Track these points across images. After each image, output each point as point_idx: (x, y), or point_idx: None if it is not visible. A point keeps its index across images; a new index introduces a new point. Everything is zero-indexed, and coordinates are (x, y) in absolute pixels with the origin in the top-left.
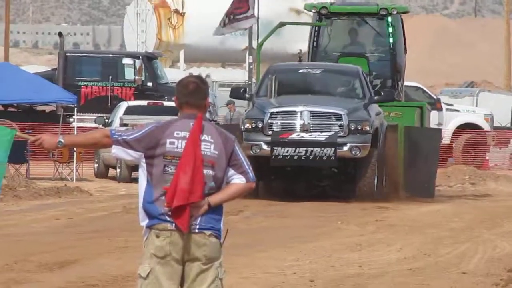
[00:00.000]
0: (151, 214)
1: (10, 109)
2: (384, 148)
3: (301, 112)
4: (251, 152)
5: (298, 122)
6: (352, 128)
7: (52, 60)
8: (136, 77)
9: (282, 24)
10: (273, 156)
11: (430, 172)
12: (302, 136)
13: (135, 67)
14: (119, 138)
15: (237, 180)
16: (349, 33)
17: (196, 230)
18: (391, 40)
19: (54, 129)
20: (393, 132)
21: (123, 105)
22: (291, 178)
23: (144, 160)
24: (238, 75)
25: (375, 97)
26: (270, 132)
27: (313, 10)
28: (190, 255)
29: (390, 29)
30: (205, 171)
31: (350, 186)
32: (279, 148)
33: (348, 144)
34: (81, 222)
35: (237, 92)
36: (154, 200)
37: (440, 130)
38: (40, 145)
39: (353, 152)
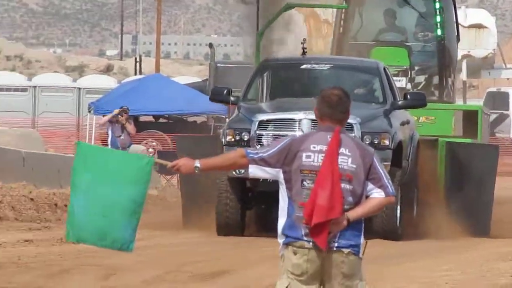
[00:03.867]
0: (289, 231)
1: (161, 120)
2: (416, 168)
3: (300, 120)
4: (234, 173)
5: (295, 133)
6: (367, 142)
7: (202, 71)
8: None
9: (288, 7)
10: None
11: (484, 202)
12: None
13: None
14: (255, 156)
15: (376, 194)
16: (386, 15)
17: (335, 248)
18: (438, 24)
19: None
20: (430, 148)
21: None
22: None
23: (282, 176)
24: None
25: (399, 102)
26: (258, 147)
27: None
28: (328, 273)
29: (438, 10)
30: (342, 185)
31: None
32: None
33: None
34: None
35: (219, 94)
36: (292, 216)
37: (497, 146)
38: (178, 171)
39: None
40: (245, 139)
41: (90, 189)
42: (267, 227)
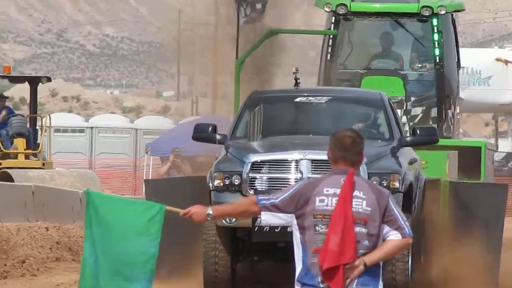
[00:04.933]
0: (305, 279)
1: None
2: (421, 212)
3: (298, 161)
4: (224, 221)
5: (293, 176)
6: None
7: None
8: None
9: (271, 33)
10: (256, 228)
11: (491, 246)
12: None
13: None
14: (267, 203)
15: (393, 237)
16: (378, 40)
17: None
18: (437, 51)
19: None
20: (431, 189)
21: None
22: (282, 260)
23: (295, 221)
24: None
25: (408, 138)
26: (251, 192)
27: (326, 9)
28: None
29: (436, 36)
30: (358, 229)
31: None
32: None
33: None
34: None
35: (203, 131)
36: (307, 263)
37: (506, 186)
38: (190, 219)
39: None
40: (236, 183)
41: (102, 242)
42: (259, 281)
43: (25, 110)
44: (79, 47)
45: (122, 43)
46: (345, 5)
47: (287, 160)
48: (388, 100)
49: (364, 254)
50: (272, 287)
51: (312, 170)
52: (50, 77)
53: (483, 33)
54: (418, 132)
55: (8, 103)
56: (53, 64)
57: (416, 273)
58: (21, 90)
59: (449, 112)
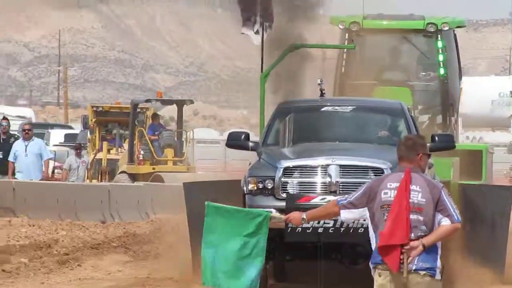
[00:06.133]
0: (375, 256)
1: None
2: None
3: (326, 166)
4: None
5: (322, 180)
6: None
7: None
8: None
9: (293, 48)
10: (289, 229)
11: (498, 243)
12: (329, 200)
13: None
14: (344, 202)
15: (444, 222)
16: (388, 55)
17: (412, 270)
18: (442, 70)
19: None
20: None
21: None
22: (312, 258)
23: (367, 213)
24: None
25: (428, 144)
26: (284, 195)
27: (340, 26)
28: None
29: (442, 57)
30: (415, 216)
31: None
32: (344, 213)
33: None
34: None
35: (236, 139)
36: (376, 244)
37: (511, 188)
38: (290, 223)
39: None
40: (269, 187)
41: (220, 244)
42: (289, 279)
43: (173, 126)
44: (216, 76)
45: (250, 73)
46: (357, 22)
47: (316, 166)
48: (408, 109)
49: (422, 237)
50: (301, 285)
51: (340, 175)
52: (192, 100)
53: None
54: (436, 139)
55: (160, 121)
56: (195, 90)
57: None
58: (170, 111)
59: (453, 119)
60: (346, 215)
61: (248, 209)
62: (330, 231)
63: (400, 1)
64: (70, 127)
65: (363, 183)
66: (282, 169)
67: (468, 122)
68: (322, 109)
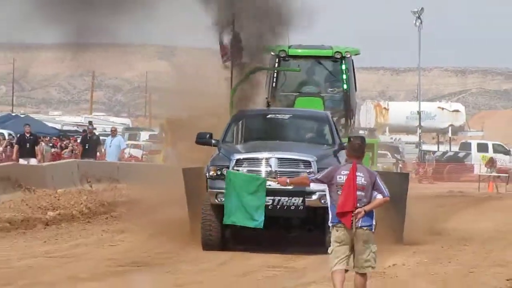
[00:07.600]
0: (334, 218)
1: None
2: None
3: (268, 159)
4: (216, 200)
5: (264, 169)
6: None
7: None
8: None
9: (256, 69)
10: None
11: (399, 219)
12: (269, 185)
13: None
14: (313, 178)
15: (378, 197)
16: (306, 74)
17: (359, 226)
18: (345, 86)
19: None
20: None
21: None
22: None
23: (327, 188)
24: None
25: (344, 144)
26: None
27: (272, 53)
28: (356, 240)
29: (345, 76)
30: (359, 193)
31: (321, 236)
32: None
33: (317, 193)
34: None
35: (203, 138)
36: (333, 211)
37: (408, 174)
38: (280, 184)
39: (323, 201)
40: (225, 173)
41: (236, 196)
42: (243, 241)
43: None
44: None
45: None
46: (284, 50)
47: (261, 158)
48: (331, 118)
49: (364, 206)
50: (253, 245)
51: (278, 165)
52: None
53: None
54: (352, 139)
55: None
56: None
57: None
58: None
59: (352, 121)
60: (314, 186)
61: (252, 175)
62: (270, 207)
63: (318, 36)
64: (152, 131)
65: (296, 172)
66: (235, 160)
67: (392, 128)
68: (267, 116)
